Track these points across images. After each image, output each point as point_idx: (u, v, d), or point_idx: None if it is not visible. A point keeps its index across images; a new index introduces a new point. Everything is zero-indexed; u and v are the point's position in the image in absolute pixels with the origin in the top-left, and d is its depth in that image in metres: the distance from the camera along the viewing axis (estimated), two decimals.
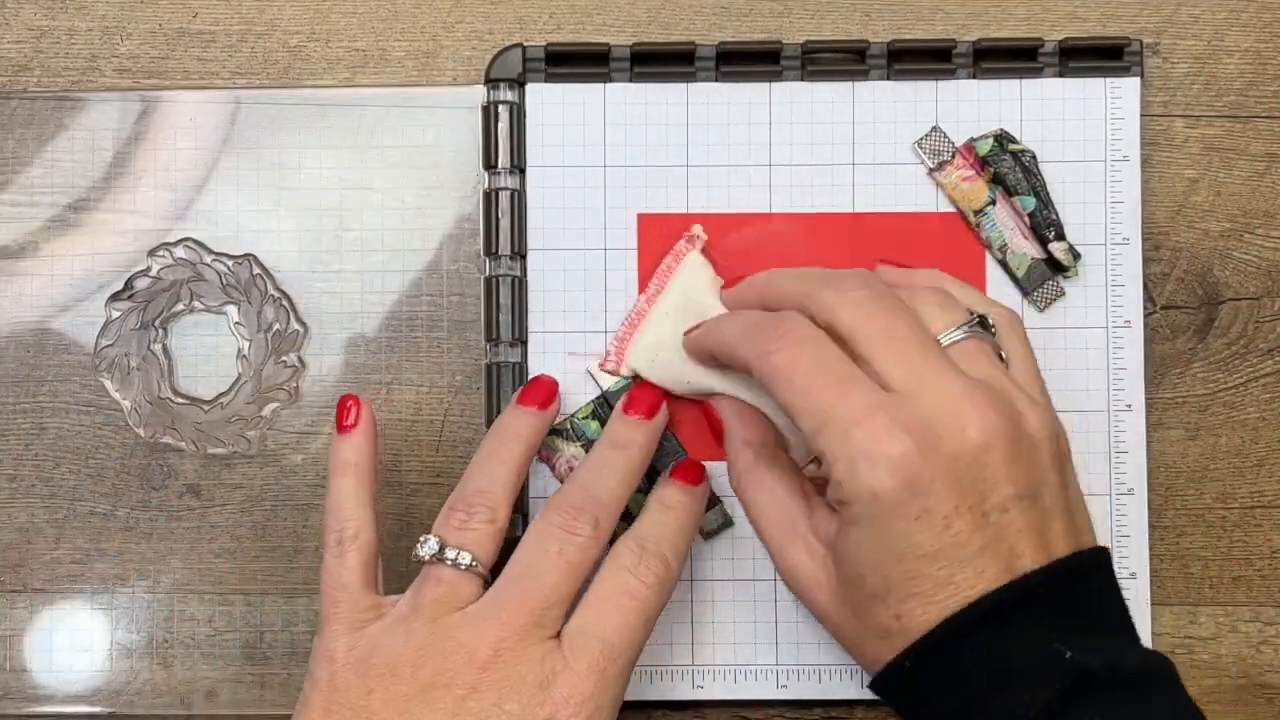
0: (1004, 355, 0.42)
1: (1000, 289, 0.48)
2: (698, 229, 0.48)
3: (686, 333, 0.46)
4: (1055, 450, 0.40)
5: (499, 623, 0.41)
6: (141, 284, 0.49)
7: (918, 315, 0.40)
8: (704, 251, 0.48)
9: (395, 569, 0.48)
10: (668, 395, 0.47)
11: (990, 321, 0.42)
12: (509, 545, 0.44)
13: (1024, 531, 0.38)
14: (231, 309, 0.49)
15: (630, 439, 0.45)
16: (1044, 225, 0.47)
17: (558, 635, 0.41)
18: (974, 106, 0.48)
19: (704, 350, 0.45)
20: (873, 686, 0.41)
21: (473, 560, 0.42)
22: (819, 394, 0.39)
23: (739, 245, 0.48)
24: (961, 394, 0.38)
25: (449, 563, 0.42)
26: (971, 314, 0.41)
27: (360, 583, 0.42)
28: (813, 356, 0.39)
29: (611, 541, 0.44)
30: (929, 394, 0.38)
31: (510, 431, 0.45)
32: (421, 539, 0.42)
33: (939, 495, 0.37)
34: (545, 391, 0.46)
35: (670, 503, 0.45)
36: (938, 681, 0.38)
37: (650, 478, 0.46)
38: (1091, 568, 0.39)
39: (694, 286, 0.47)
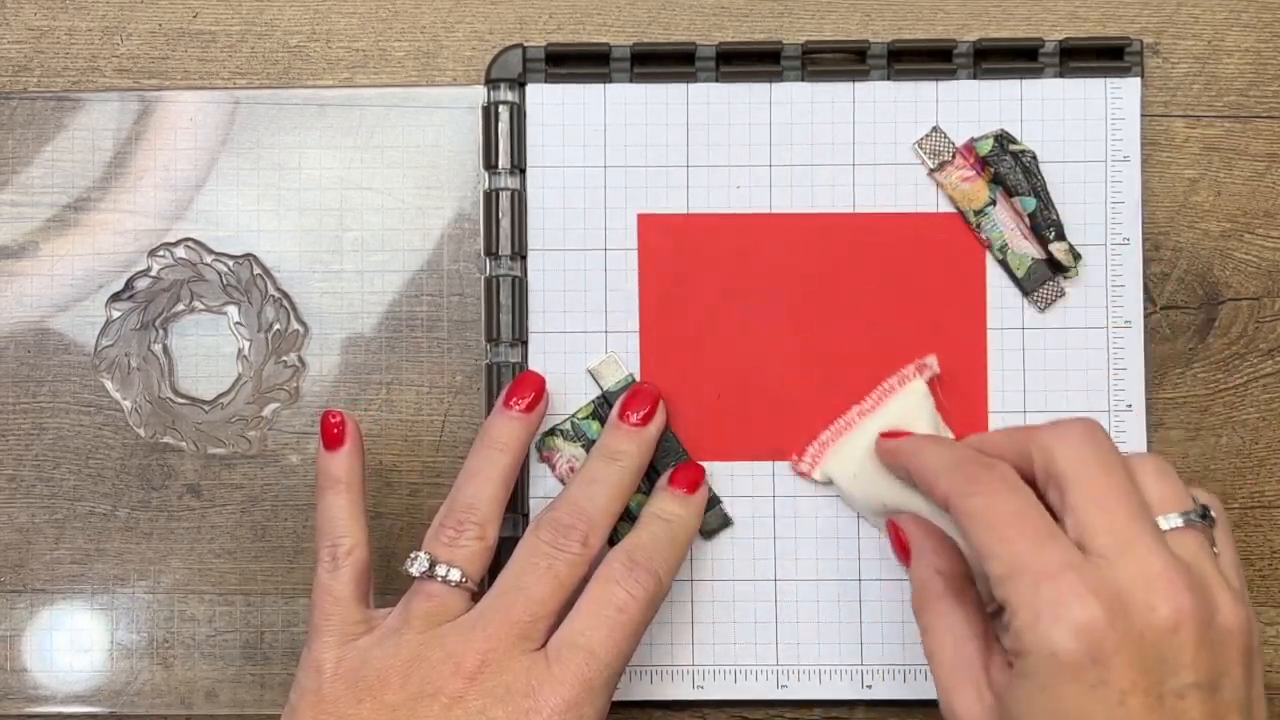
0: (1215, 545, 0.40)
1: (1000, 289, 0.48)
2: (932, 360, 0.47)
3: (884, 434, 0.46)
4: (1245, 645, 0.38)
5: (485, 634, 0.41)
6: (141, 284, 0.49)
7: (1135, 480, 0.39)
8: (930, 383, 0.47)
9: (395, 568, 0.48)
10: (668, 396, 0.47)
11: (1212, 513, 0.40)
12: (506, 546, 0.45)
13: None
14: (232, 309, 0.49)
15: (624, 450, 0.45)
16: (1044, 225, 0.47)
17: (544, 647, 0.41)
18: (974, 107, 0.48)
19: (900, 466, 0.44)
20: None
21: (462, 576, 0.42)
22: (1013, 541, 0.38)
23: (740, 245, 0.48)
24: (1160, 570, 0.37)
25: (439, 579, 0.42)
26: (1195, 501, 0.40)
27: (353, 596, 0.43)
28: (1014, 505, 0.39)
29: (613, 541, 0.44)
30: (1127, 563, 0.37)
31: (496, 443, 0.45)
32: (412, 555, 0.43)
33: (1118, 669, 0.36)
34: (532, 390, 0.46)
35: (665, 515, 0.45)
36: None
37: (651, 477, 0.46)
38: None
39: (912, 415, 0.47)
